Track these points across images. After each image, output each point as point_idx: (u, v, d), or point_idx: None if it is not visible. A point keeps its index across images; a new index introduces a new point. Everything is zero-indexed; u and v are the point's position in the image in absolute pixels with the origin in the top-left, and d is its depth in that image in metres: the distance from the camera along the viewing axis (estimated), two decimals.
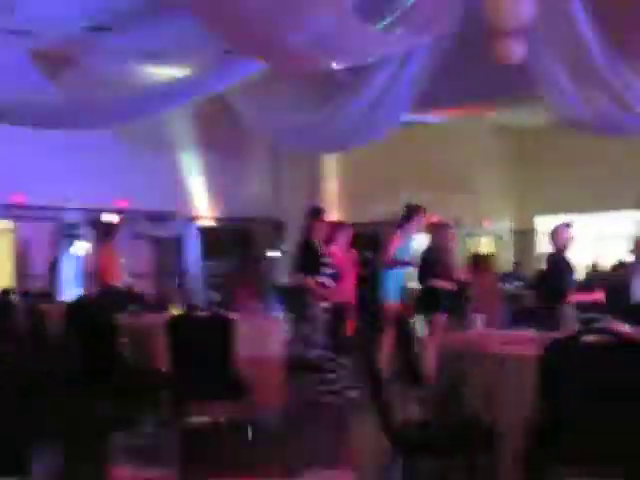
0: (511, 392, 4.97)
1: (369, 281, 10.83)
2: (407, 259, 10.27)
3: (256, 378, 7.10)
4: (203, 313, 7.14)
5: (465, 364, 5.30)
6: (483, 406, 5.12)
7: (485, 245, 20.20)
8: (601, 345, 4.34)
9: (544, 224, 18.04)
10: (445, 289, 9.86)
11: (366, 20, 7.62)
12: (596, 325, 5.92)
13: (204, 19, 7.94)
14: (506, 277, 15.65)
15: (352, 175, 17.05)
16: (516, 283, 14.93)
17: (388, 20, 7.80)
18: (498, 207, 20.39)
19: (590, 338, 4.42)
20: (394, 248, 10.22)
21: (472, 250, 17.42)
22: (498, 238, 20.80)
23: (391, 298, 10.21)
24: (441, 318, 9.68)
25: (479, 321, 5.99)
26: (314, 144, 12.53)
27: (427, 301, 9.83)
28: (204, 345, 6.80)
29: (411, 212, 10.40)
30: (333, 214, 16.87)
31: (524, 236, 20.27)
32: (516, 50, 8.19)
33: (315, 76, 10.43)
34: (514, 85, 10.45)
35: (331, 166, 17.28)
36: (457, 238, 12.00)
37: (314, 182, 17.04)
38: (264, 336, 7.72)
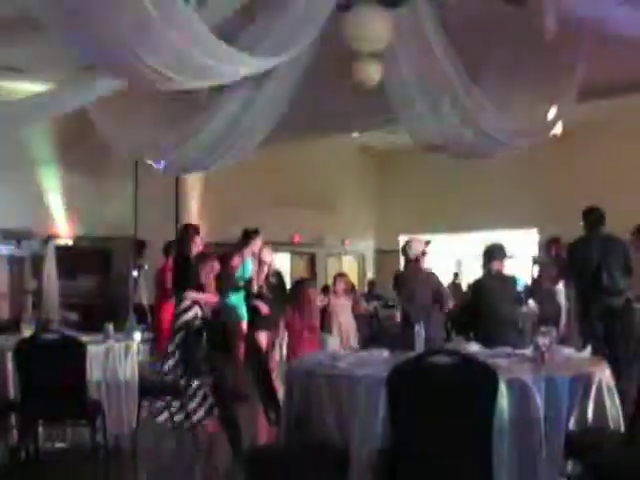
0: (363, 414, 4.95)
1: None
2: (242, 282, 10.45)
3: (108, 401, 6.98)
4: (53, 335, 6.95)
5: (316, 385, 5.29)
6: (335, 428, 5.12)
7: (347, 264, 20.41)
8: (445, 366, 4.40)
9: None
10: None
11: (222, 40, 7.61)
12: (446, 345, 6.02)
13: (60, 35, 7.79)
14: (365, 296, 15.81)
15: (214, 193, 16.97)
16: (374, 302, 15.10)
17: (244, 41, 7.79)
18: (361, 227, 20.61)
19: (437, 359, 4.49)
20: (233, 270, 10.38)
21: (334, 269, 17.56)
22: (360, 257, 21.03)
23: (237, 318, 10.32)
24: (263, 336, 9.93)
25: (331, 341, 6.02)
26: (174, 163, 12.41)
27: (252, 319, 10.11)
28: (54, 368, 6.62)
29: (248, 235, 10.63)
30: None
31: (387, 255, 20.52)
32: (373, 73, 8.30)
33: (174, 94, 10.34)
34: (374, 107, 10.60)
35: (193, 184, 17.16)
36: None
37: (176, 200, 16.88)
38: (116, 358, 7.58)
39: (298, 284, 10.01)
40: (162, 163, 12.34)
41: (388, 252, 20.45)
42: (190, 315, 8.86)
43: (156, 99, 11.66)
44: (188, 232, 9.81)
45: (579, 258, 9.32)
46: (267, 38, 8.12)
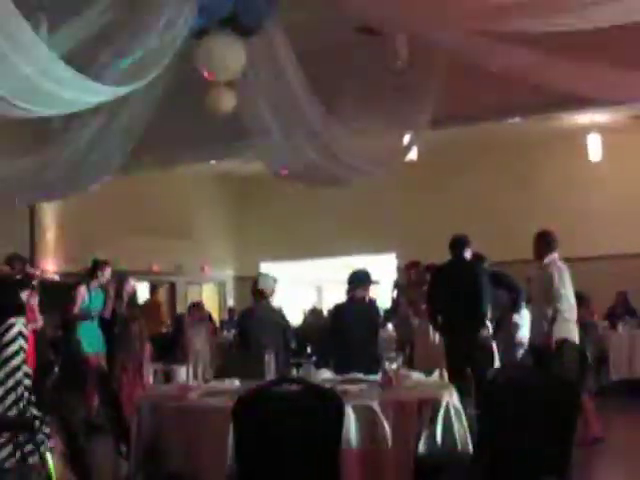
0: (211, 446, 4.92)
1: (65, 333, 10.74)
2: (94, 312, 10.34)
3: None
4: None
5: (165, 417, 5.23)
6: (184, 460, 5.06)
7: (207, 292, 20.28)
8: (290, 395, 4.41)
9: (269, 270, 18.32)
10: None
11: (73, 68, 7.49)
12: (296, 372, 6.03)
13: None
14: (224, 324, 15.71)
15: (71, 223, 16.63)
16: (233, 330, 15.01)
17: (94, 68, 7.69)
18: (220, 254, 20.53)
19: (286, 387, 4.49)
20: (79, 301, 10.30)
21: (194, 297, 17.44)
22: (220, 285, 20.93)
23: (88, 350, 10.16)
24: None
25: (183, 372, 5.96)
26: (26, 193, 12.15)
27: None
28: None
29: (96, 266, 10.57)
30: (50, 263, 16.39)
31: (247, 282, 20.43)
32: (226, 102, 8.29)
33: (26, 123, 10.13)
34: (229, 135, 10.60)
35: (49, 214, 16.78)
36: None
37: (30, 230, 16.47)
38: None
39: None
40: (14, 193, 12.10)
41: (248, 279, 20.38)
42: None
43: (7, 128, 11.44)
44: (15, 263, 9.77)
45: (444, 285, 9.38)
46: (117, 65, 8.04)
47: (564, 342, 8.69)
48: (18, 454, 8.14)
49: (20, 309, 8.88)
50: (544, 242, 9.08)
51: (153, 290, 15.13)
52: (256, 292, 8.88)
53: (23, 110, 8.15)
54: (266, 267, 19.45)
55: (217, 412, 4.92)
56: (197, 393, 5.38)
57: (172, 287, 19.56)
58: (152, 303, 14.02)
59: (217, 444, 4.83)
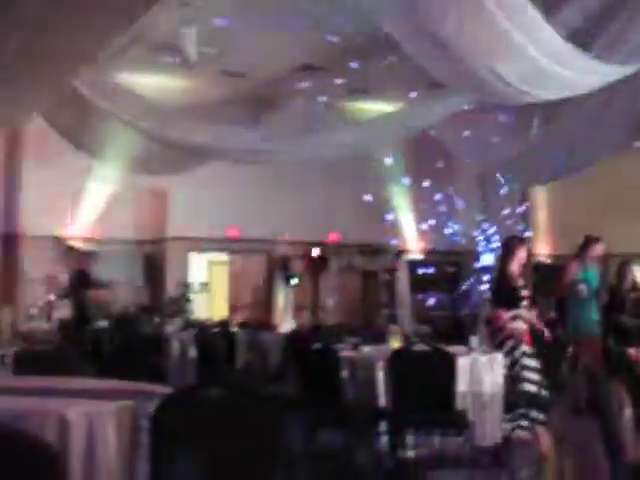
0: None
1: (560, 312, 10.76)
2: (583, 289, 10.12)
3: (472, 413, 7.08)
4: (423, 347, 7.20)
5: None
6: None
7: None
8: None
9: None
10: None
11: (577, 49, 7.54)
12: None
13: (413, 53, 8.10)
14: None
15: (561, 204, 16.70)
16: None
17: (597, 48, 7.70)
18: None
19: None
20: (569, 278, 10.18)
21: None
22: None
23: (582, 331, 10.02)
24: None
25: None
26: (524, 174, 12.46)
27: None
28: (424, 378, 6.84)
29: (586, 242, 10.39)
30: (543, 245, 16.62)
31: None
32: None
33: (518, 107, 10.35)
34: None
35: (541, 196, 16.99)
36: None
37: (523, 213, 16.79)
38: (481, 370, 7.67)
39: None
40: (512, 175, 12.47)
41: None
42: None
43: (503, 112, 11.80)
44: (509, 245, 9.55)
45: None
46: (622, 44, 7.97)
47: None
48: (517, 427, 8.41)
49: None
50: None
51: None
52: None
53: (526, 95, 8.39)
54: None
55: None
56: None
57: None
58: None
59: None
